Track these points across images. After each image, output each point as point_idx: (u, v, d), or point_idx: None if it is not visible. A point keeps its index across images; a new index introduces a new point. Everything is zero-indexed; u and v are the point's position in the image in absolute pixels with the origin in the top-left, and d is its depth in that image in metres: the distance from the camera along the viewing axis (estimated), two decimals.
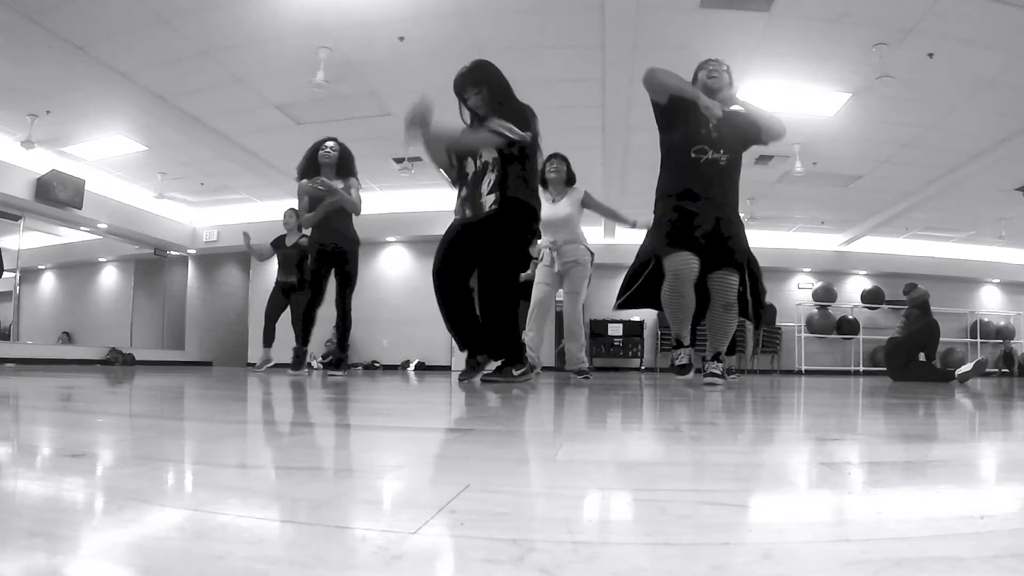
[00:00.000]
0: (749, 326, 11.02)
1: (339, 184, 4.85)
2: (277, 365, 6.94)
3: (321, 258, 4.93)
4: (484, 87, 3.19)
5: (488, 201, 3.16)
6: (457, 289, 3.28)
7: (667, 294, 3.25)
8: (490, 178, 3.19)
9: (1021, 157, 7.26)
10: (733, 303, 3.28)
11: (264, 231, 10.88)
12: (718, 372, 3.31)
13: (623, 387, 3.39)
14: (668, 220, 3.28)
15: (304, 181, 4.89)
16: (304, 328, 5.07)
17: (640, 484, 0.66)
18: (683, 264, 3.19)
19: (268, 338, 6.62)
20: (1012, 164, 7.52)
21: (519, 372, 3.20)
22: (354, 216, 5.01)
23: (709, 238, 3.22)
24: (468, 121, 3.32)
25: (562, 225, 4.30)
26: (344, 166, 4.96)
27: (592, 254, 4.44)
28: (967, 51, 5.17)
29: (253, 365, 7.89)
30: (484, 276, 3.24)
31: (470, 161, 3.29)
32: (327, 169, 4.90)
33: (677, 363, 3.47)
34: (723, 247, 3.26)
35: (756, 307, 3.38)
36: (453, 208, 3.36)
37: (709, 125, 3.26)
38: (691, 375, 3.48)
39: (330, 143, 4.95)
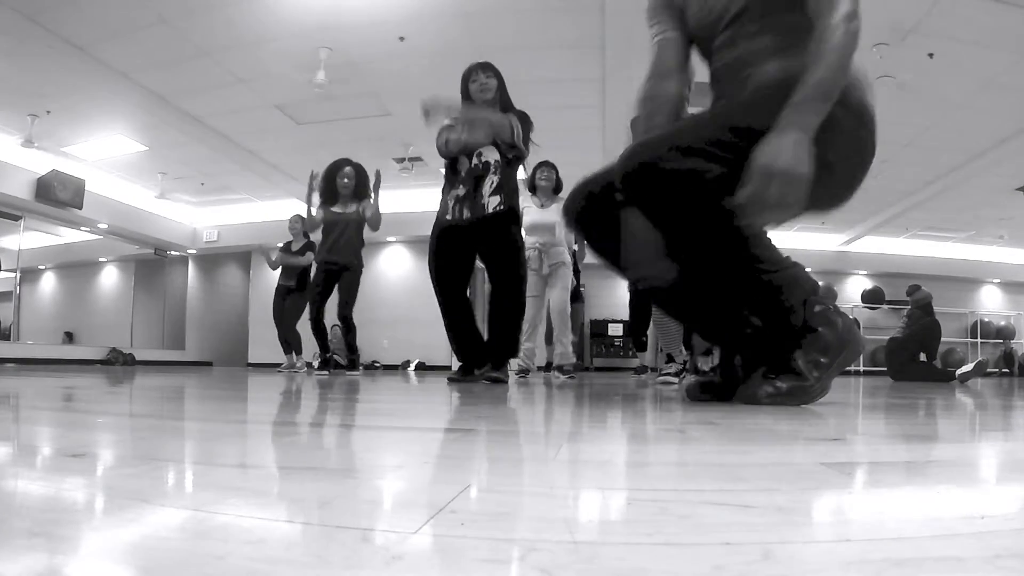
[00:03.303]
0: None
1: (354, 207, 5.24)
2: (273, 365, 6.96)
3: (327, 275, 5.19)
4: (494, 76, 3.30)
5: (492, 202, 3.20)
6: (460, 300, 3.40)
7: (654, 315, 3.69)
8: (492, 180, 3.21)
9: (1021, 157, 7.25)
10: None
11: (265, 231, 10.92)
12: (671, 372, 3.80)
13: (623, 387, 3.39)
14: None
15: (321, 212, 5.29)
16: (319, 338, 5.38)
17: (640, 484, 0.66)
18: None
19: (286, 346, 6.78)
20: (1012, 164, 7.51)
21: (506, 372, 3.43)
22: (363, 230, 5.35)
23: None
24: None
25: (549, 229, 4.72)
26: (359, 190, 5.29)
27: (573, 258, 4.97)
28: (967, 51, 5.17)
29: (254, 365, 7.89)
30: (497, 280, 3.33)
31: (464, 159, 3.29)
32: (345, 197, 5.21)
33: (660, 373, 3.86)
34: None
35: None
36: (442, 208, 3.36)
37: None
38: (675, 380, 3.70)
39: (348, 168, 5.21)
